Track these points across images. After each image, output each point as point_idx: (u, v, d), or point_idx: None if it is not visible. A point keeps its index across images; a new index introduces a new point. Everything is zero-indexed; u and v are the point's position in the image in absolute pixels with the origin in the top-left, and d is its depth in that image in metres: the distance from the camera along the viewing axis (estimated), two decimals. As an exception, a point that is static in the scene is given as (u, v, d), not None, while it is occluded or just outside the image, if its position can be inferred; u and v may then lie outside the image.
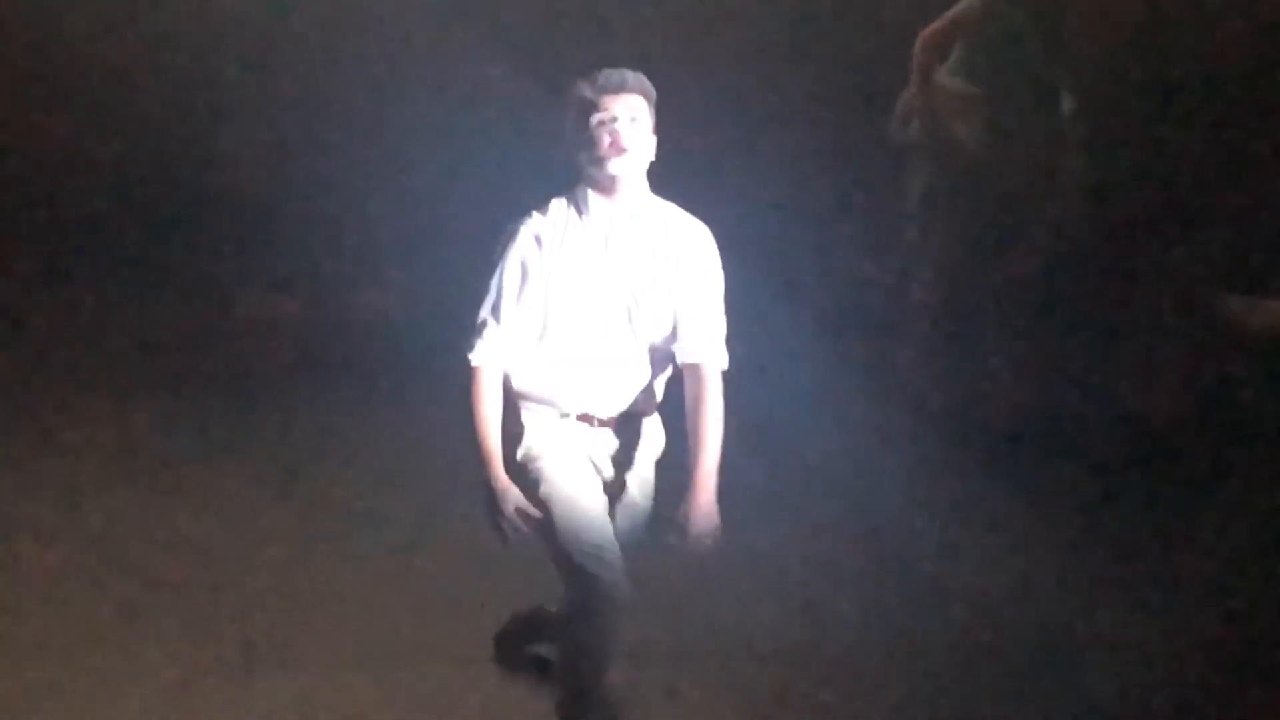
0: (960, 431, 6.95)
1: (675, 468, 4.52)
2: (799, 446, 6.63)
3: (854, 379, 7.09)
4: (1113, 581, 5.78)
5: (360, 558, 5.76)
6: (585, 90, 4.41)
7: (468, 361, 4.43)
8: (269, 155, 7.41)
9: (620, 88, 4.40)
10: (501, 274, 4.43)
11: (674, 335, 4.50)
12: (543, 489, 4.42)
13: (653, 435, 4.61)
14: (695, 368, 4.48)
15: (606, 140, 4.37)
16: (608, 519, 4.49)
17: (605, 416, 4.51)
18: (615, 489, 4.57)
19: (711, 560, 4.45)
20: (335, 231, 7.47)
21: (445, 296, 6.54)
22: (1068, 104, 7.07)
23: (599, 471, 4.55)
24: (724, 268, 4.54)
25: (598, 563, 4.37)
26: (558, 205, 4.47)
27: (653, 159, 4.46)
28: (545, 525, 4.39)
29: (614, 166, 4.39)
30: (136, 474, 6.35)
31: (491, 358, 4.44)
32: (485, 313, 4.44)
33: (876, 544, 6.01)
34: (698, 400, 4.46)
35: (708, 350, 4.50)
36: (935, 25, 7.01)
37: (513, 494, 4.37)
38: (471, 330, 4.45)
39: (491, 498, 4.37)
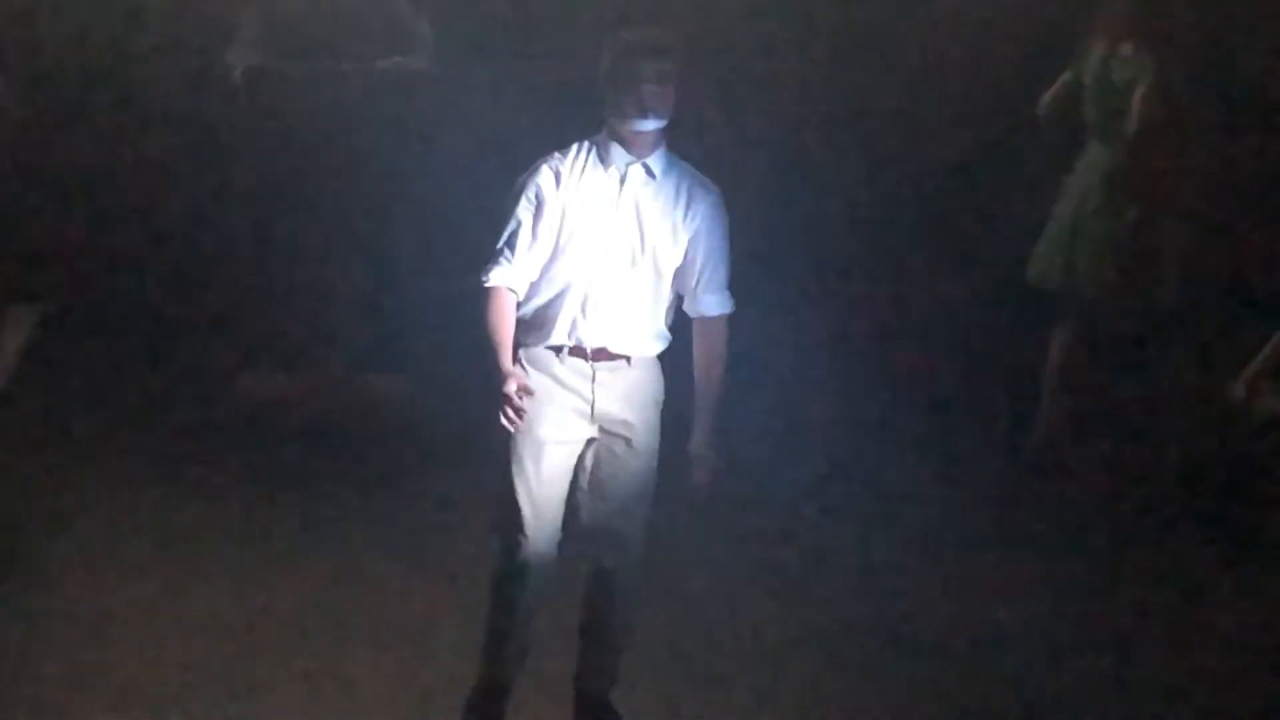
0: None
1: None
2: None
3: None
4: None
5: (370, 638, 5.68)
6: (620, 46, 4.71)
7: (482, 284, 4.71)
8: (273, 229, 7.38)
9: (653, 50, 4.69)
10: (519, 206, 4.73)
11: (681, 286, 4.81)
12: (515, 449, 4.74)
13: (649, 377, 4.85)
14: (708, 319, 4.83)
15: (633, 100, 4.66)
16: (561, 500, 4.81)
17: (595, 347, 4.75)
18: (604, 428, 4.80)
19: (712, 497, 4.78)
20: (344, 310, 7.43)
21: (454, 378, 6.57)
22: None
23: (586, 415, 4.77)
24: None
25: (524, 535, 4.77)
26: (579, 148, 4.78)
27: (674, 115, 4.73)
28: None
29: (638, 125, 4.70)
30: (140, 553, 6.25)
31: (504, 281, 4.71)
32: (502, 242, 4.72)
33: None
34: (710, 346, 4.83)
35: (719, 302, 4.84)
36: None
37: (516, 374, 4.64)
38: (489, 258, 4.72)
39: (498, 382, 4.61)
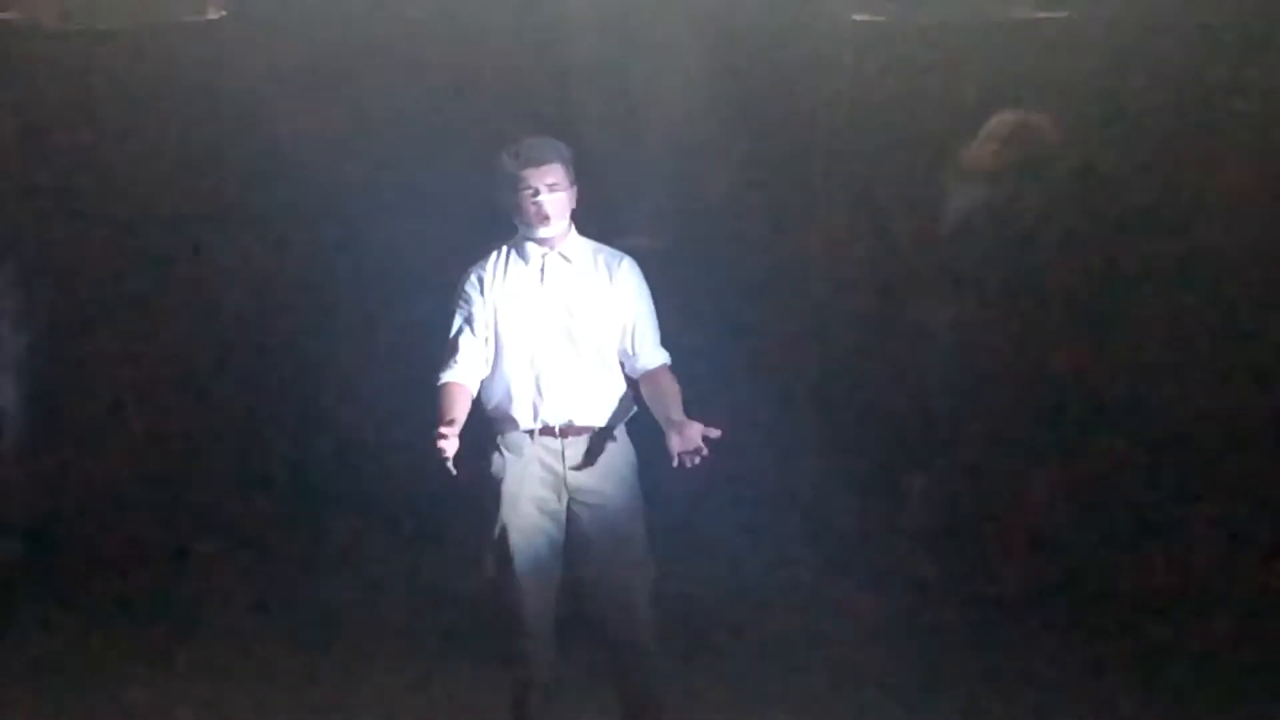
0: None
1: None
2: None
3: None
4: None
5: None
6: (509, 164, 5.17)
7: (437, 385, 5.16)
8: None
9: (539, 161, 5.15)
10: (455, 315, 5.22)
11: (620, 352, 5.23)
12: (499, 549, 5.12)
13: (617, 446, 5.21)
14: (652, 373, 5.20)
15: (532, 211, 5.15)
16: (551, 582, 5.16)
17: (562, 424, 5.15)
18: (577, 498, 5.16)
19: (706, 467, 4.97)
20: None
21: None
22: None
23: (559, 488, 5.15)
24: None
25: (520, 618, 5.13)
26: (498, 252, 5.27)
27: (574, 206, 5.21)
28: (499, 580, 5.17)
29: (541, 232, 5.19)
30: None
31: (454, 379, 5.16)
32: (448, 348, 5.20)
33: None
34: (661, 388, 5.16)
35: (656, 357, 5.24)
36: None
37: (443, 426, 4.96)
38: (439, 364, 5.18)
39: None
